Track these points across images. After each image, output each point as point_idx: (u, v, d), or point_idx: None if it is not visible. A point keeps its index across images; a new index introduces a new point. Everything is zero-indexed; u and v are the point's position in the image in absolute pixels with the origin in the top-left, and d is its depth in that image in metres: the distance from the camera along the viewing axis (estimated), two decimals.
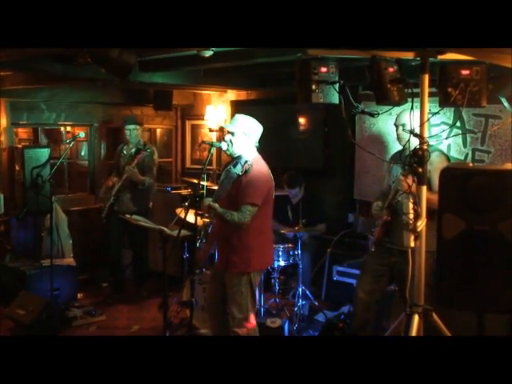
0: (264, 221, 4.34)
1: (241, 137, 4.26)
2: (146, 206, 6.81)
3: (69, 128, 8.35)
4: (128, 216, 5.14)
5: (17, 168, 6.70)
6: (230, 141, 4.27)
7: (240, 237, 4.23)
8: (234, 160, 4.33)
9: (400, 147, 4.58)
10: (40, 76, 5.96)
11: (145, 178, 6.58)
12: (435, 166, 4.10)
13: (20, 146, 7.06)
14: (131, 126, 6.74)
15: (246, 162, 4.24)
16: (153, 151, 6.80)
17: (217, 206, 4.21)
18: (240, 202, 4.15)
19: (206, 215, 5.06)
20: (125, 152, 6.80)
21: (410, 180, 3.97)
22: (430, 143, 4.37)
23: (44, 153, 6.49)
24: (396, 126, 4.58)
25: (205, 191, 6.27)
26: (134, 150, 6.68)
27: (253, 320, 4.31)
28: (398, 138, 4.61)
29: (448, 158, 4.57)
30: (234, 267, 4.26)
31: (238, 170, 4.23)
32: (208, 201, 4.30)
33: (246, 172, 4.19)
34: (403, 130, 4.32)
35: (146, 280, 7.03)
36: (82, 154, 9.51)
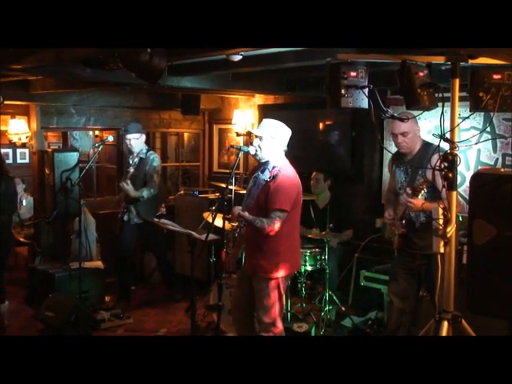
0: (292, 226, 4.31)
1: (269, 141, 4.24)
2: (153, 215, 6.41)
3: (97, 132, 8.44)
4: (156, 220, 5.15)
5: (47, 171, 6.77)
6: (259, 145, 4.25)
7: (269, 242, 4.21)
8: (262, 166, 4.32)
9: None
10: (70, 80, 6.03)
11: (142, 192, 6.34)
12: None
13: (50, 149, 7.14)
14: (130, 136, 6.45)
15: (273, 167, 4.23)
16: (153, 158, 6.51)
17: (246, 214, 4.16)
18: (269, 208, 4.13)
19: (236, 224, 5.05)
20: (130, 161, 6.62)
21: (417, 201, 4.02)
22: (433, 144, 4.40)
23: (73, 156, 6.56)
24: (395, 134, 4.52)
25: (232, 195, 6.27)
26: (137, 159, 6.53)
27: (280, 325, 4.31)
28: (398, 146, 4.58)
29: None
30: (263, 272, 4.24)
31: (266, 176, 4.22)
32: (238, 209, 4.26)
33: (273, 178, 4.18)
34: (433, 134, 4.30)
35: (176, 282, 7.00)
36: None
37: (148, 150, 6.59)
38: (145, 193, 6.34)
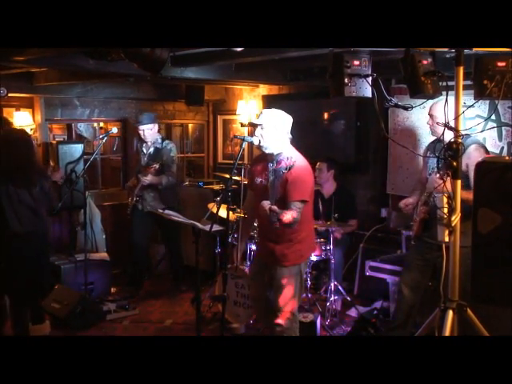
0: (309, 212, 4.39)
1: (271, 129, 4.23)
2: (174, 203, 6.66)
3: (102, 124, 8.43)
4: (160, 211, 5.15)
5: (51, 163, 6.77)
6: (261, 134, 4.25)
7: (289, 231, 4.25)
8: (275, 157, 4.31)
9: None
10: (73, 72, 6.03)
11: (161, 178, 6.43)
12: (473, 160, 3.97)
13: (54, 141, 7.14)
14: (144, 127, 6.51)
15: (287, 158, 4.21)
16: (170, 148, 6.60)
17: (276, 208, 4.11)
18: (289, 200, 4.14)
19: (241, 215, 5.05)
20: (144, 151, 6.66)
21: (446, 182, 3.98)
22: (469, 134, 4.35)
23: (78, 148, 6.57)
24: (429, 115, 4.58)
25: (242, 187, 6.26)
26: (152, 148, 6.59)
27: (296, 312, 4.39)
28: (431, 129, 4.60)
29: (486, 149, 4.51)
30: (287, 261, 4.30)
31: (283, 167, 4.21)
32: (267, 204, 4.14)
33: (289, 169, 4.16)
34: (437, 123, 4.29)
35: (183, 274, 7.00)
36: (115, 149, 9.61)
37: (163, 140, 6.67)
38: (164, 180, 6.44)
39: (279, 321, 4.30)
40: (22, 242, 4.90)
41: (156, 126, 6.65)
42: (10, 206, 4.82)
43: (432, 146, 4.65)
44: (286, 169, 4.16)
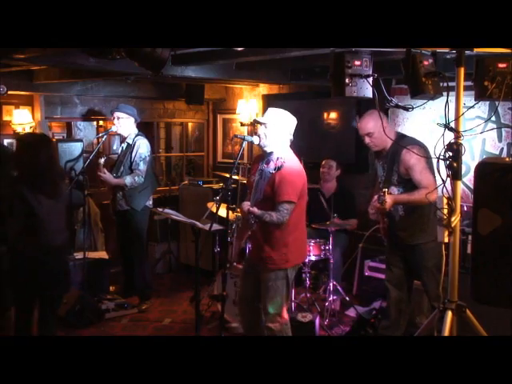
0: (299, 216, 4.31)
1: (274, 129, 4.22)
2: (142, 204, 6.18)
3: (101, 122, 8.42)
4: (160, 210, 5.14)
5: None
6: (264, 133, 4.23)
7: (277, 234, 4.21)
8: (266, 157, 4.30)
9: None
10: (74, 70, 6.02)
11: (124, 179, 5.97)
12: (408, 164, 4.34)
13: (54, 139, 7.12)
14: (119, 114, 6.10)
15: (277, 158, 4.21)
16: (139, 145, 6.06)
17: (256, 209, 4.14)
18: (276, 201, 4.11)
19: (240, 214, 5.04)
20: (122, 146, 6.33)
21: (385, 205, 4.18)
22: (407, 135, 4.65)
23: (77, 147, 6.55)
24: (362, 135, 4.63)
25: (239, 186, 6.25)
26: (124, 144, 6.21)
27: (285, 315, 4.33)
28: (368, 146, 4.69)
29: (422, 146, 4.50)
30: (272, 263, 4.24)
31: (271, 167, 4.21)
32: (247, 205, 4.22)
33: (278, 169, 4.16)
34: (437, 124, 4.29)
35: (149, 294, 6.46)
36: (114, 147, 9.60)
37: (136, 136, 6.18)
38: (128, 180, 5.98)
39: (269, 325, 4.28)
40: (51, 258, 4.25)
41: (132, 120, 6.17)
42: (46, 219, 4.18)
43: (375, 152, 4.74)
44: (274, 169, 4.17)
